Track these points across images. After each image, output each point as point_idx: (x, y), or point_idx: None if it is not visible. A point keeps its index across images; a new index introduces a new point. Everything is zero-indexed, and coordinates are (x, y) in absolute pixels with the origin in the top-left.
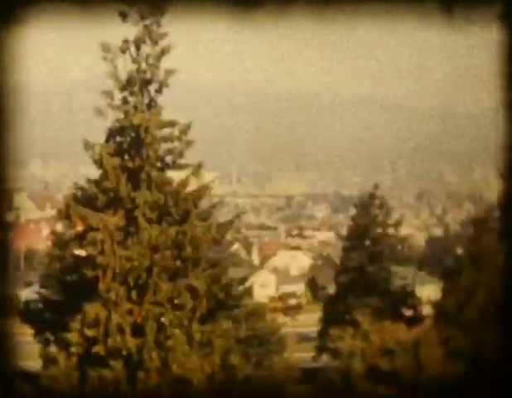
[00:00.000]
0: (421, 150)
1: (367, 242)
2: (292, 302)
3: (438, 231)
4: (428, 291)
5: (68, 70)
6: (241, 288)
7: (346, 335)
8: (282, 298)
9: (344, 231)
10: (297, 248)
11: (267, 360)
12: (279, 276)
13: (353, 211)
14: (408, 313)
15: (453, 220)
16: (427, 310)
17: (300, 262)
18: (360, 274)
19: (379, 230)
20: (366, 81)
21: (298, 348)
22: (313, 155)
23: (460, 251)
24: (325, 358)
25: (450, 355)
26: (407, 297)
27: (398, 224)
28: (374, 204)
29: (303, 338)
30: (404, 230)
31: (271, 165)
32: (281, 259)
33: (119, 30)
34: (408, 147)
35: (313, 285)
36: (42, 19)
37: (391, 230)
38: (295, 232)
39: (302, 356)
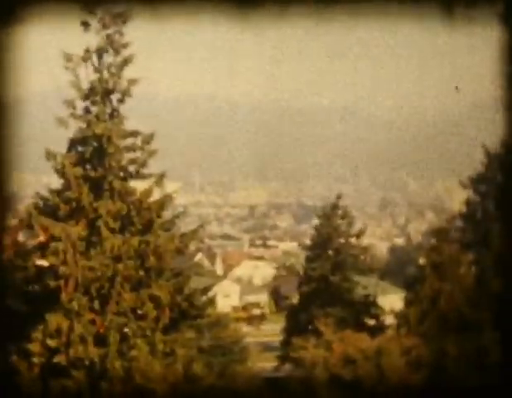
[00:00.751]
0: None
1: (330, 252)
2: (256, 312)
3: (400, 241)
4: (391, 301)
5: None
6: (204, 298)
7: (309, 344)
8: (246, 308)
9: (307, 241)
10: (260, 258)
11: (230, 369)
12: (242, 286)
13: (316, 221)
14: (371, 322)
15: (415, 230)
16: (389, 320)
17: (263, 272)
18: (323, 284)
19: (342, 240)
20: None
21: (261, 358)
22: (276, 165)
23: (422, 261)
24: (287, 368)
25: (412, 364)
26: (369, 306)
27: (360, 234)
28: (336, 214)
29: (266, 348)
30: (367, 240)
31: (234, 175)
32: (244, 269)
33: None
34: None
35: (276, 295)
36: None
37: (353, 240)
38: (258, 242)
39: (265, 365)
